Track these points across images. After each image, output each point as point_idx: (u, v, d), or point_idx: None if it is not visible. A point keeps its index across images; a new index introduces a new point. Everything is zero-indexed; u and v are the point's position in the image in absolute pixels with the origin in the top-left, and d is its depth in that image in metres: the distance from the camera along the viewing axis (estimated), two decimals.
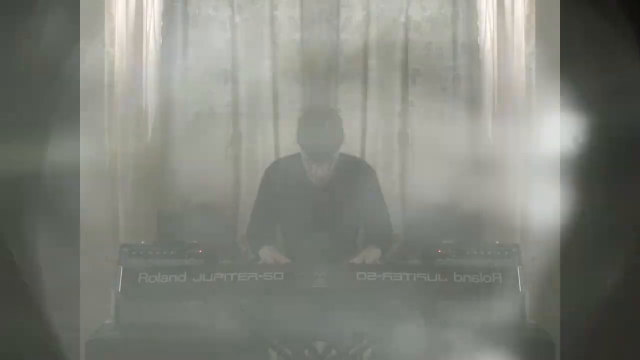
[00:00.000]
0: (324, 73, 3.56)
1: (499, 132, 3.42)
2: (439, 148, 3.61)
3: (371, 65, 3.57)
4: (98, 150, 3.37)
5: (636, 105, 1.90)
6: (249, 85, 3.59)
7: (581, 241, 1.93)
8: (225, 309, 2.54)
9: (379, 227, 3.09)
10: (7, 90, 2.01)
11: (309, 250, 2.91)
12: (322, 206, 3.00)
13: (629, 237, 1.91)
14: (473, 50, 3.56)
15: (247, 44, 3.58)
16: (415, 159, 3.60)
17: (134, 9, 3.37)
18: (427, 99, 3.61)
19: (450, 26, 3.60)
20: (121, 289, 2.32)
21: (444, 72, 3.61)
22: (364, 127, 3.56)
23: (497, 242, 2.90)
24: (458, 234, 3.50)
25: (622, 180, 1.92)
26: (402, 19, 3.59)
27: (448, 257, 2.62)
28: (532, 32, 3.37)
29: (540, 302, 2.97)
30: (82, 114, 2.94)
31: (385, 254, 3.01)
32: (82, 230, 2.44)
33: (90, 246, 3.00)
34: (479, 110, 3.52)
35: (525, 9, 3.37)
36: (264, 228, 3.07)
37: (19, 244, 2.12)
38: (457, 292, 2.35)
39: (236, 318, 2.50)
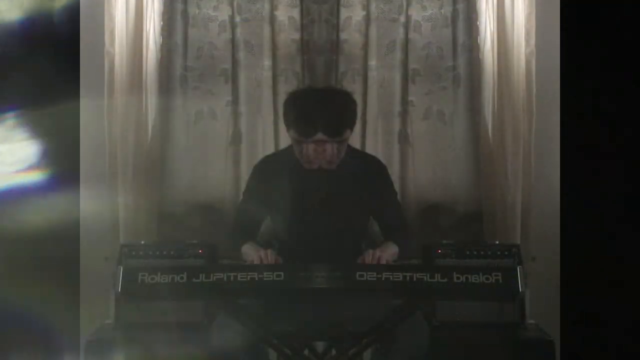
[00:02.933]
0: (323, 73, 3.56)
1: (498, 131, 3.42)
2: (439, 148, 3.61)
3: (371, 65, 3.57)
4: (98, 150, 3.37)
5: (636, 104, 1.90)
6: (249, 85, 3.59)
7: (581, 241, 1.93)
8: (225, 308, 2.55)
9: (397, 224, 2.95)
10: (6, 90, 2.02)
11: (306, 251, 2.81)
12: (322, 202, 2.86)
13: (629, 236, 1.91)
14: (473, 50, 3.56)
15: (247, 44, 3.58)
16: (415, 159, 3.60)
17: (134, 9, 3.36)
18: (427, 99, 3.61)
19: (450, 26, 3.60)
20: (121, 289, 2.32)
21: (444, 72, 3.62)
22: (364, 127, 3.56)
23: (497, 242, 2.90)
24: (458, 234, 3.52)
25: (623, 179, 1.92)
26: (402, 19, 3.59)
27: (448, 257, 2.62)
28: (532, 32, 3.37)
29: (540, 302, 2.97)
30: (82, 114, 2.93)
31: (403, 252, 2.83)
32: (82, 230, 2.44)
33: (90, 246, 2.99)
34: (479, 110, 3.52)
35: (525, 9, 3.37)
36: (248, 227, 2.94)
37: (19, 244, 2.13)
38: (457, 292, 2.35)
39: (236, 318, 2.50)
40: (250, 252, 2.76)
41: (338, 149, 2.74)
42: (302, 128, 2.70)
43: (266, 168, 2.98)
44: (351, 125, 2.78)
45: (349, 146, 2.88)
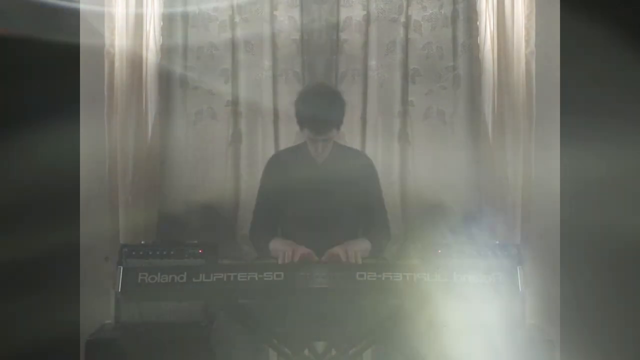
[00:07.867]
0: (323, 73, 3.56)
1: (498, 131, 3.41)
2: (439, 148, 3.61)
3: (371, 65, 3.56)
4: (98, 150, 3.37)
5: (636, 104, 1.90)
6: (249, 85, 3.59)
7: (581, 241, 1.93)
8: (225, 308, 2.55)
9: (375, 221, 3.04)
10: (5, 90, 2.02)
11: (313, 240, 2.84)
12: (326, 190, 2.94)
13: (629, 236, 1.91)
14: (473, 50, 3.56)
15: (247, 44, 3.58)
16: (415, 159, 3.60)
17: (134, 9, 3.36)
18: (427, 99, 3.61)
19: (450, 26, 3.60)
20: (121, 289, 2.32)
21: (444, 72, 3.61)
22: (364, 127, 3.56)
23: (497, 242, 2.90)
24: (458, 234, 3.51)
25: (622, 179, 1.92)
26: (402, 19, 3.59)
27: (448, 257, 2.62)
28: (532, 32, 3.37)
29: (540, 302, 2.98)
30: (82, 114, 2.94)
31: (376, 250, 2.92)
32: (82, 230, 2.44)
33: (90, 246, 3.00)
34: (479, 110, 3.52)
35: (525, 9, 3.37)
36: (271, 222, 3.02)
37: (20, 244, 2.13)
38: (457, 292, 2.35)
39: (236, 318, 2.50)
40: (281, 247, 2.78)
41: (322, 147, 2.94)
42: (317, 127, 2.88)
43: (278, 163, 3.09)
44: (337, 125, 2.95)
45: (335, 142, 3.02)
